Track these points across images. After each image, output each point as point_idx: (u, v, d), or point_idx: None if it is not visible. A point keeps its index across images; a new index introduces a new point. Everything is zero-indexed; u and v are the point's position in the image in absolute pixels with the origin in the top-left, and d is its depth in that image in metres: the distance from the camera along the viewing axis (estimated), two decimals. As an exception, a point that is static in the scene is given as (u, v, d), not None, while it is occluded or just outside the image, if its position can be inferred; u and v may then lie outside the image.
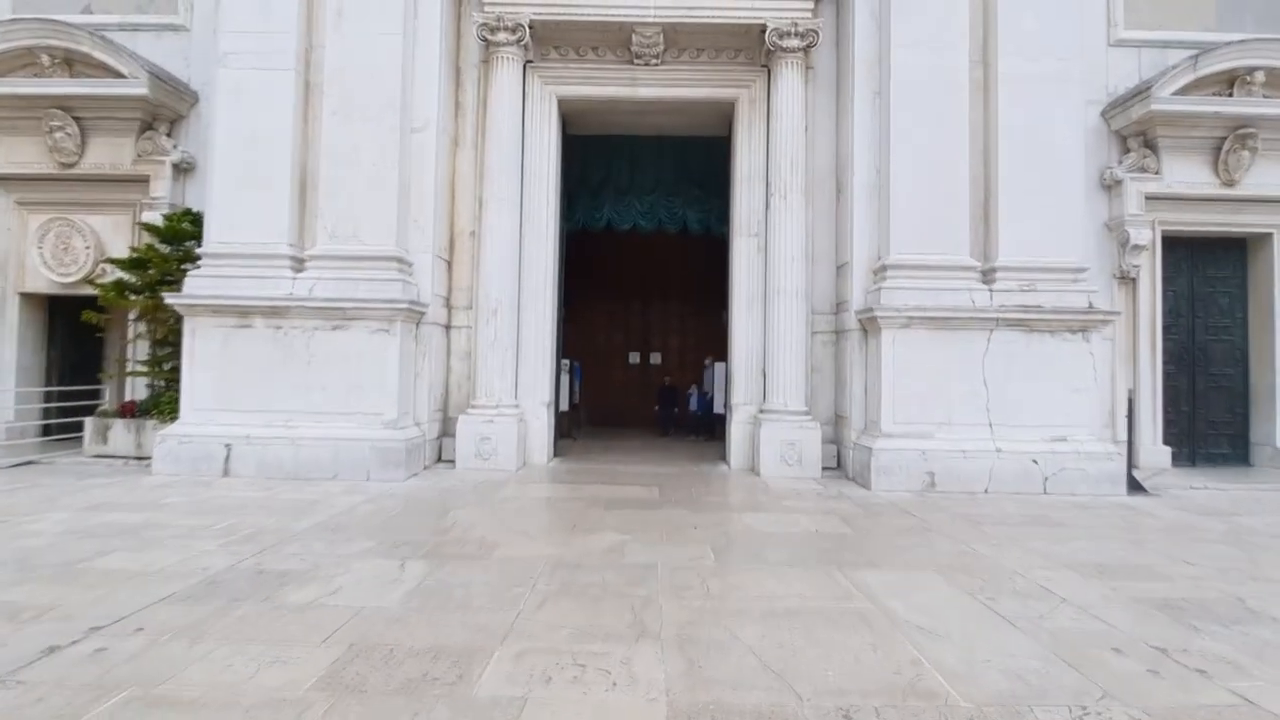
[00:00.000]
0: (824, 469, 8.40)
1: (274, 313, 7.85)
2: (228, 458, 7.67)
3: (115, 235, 9.67)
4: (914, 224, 8.04)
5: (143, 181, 9.56)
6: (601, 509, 6.36)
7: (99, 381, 9.60)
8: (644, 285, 14.42)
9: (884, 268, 8.04)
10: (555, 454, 9.71)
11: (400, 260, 8.09)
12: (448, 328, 9.15)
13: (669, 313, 14.73)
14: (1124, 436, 8.83)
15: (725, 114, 9.67)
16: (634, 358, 14.84)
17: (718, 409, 11.99)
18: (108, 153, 9.53)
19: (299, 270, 8.07)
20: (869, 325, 8.15)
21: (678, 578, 4.30)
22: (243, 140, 8.16)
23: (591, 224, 11.58)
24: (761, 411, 8.70)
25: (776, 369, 8.54)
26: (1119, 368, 9.48)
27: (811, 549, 5.11)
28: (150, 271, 8.62)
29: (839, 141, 9.12)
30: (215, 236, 8.15)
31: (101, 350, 10.07)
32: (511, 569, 4.43)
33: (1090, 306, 7.88)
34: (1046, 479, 7.54)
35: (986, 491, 7.48)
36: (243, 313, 7.87)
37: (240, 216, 8.12)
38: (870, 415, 8.13)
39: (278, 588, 3.99)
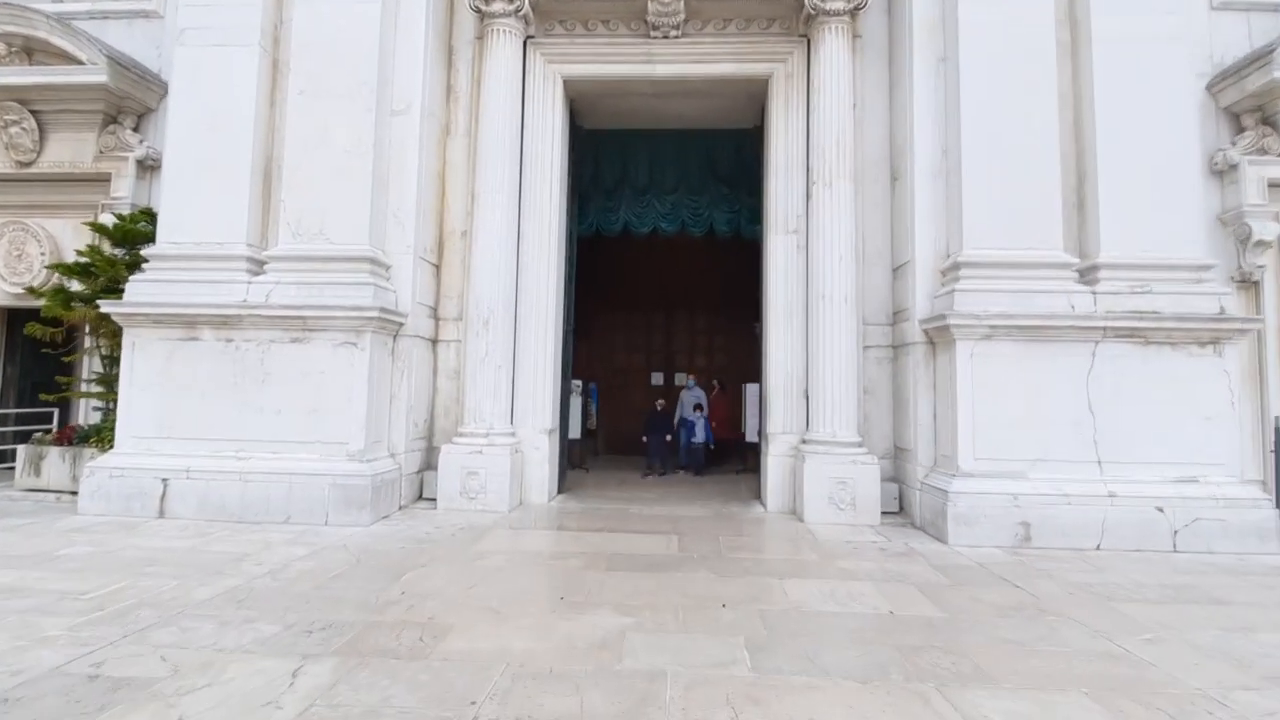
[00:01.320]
0: (883, 513, 6.83)
1: (225, 323, 6.67)
2: (164, 495, 6.45)
3: (77, 240, 8.67)
4: (992, 213, 6.54)
5: (105, 181, 8.57)
6: (602, 570, 4.93)
7: (48, 404, 8.54)
8: (667, 297, 13.05)
9: (956, 266, 6.54)
10: (560, 489, 8.31)
11: (373, 262, 6.87)
12: (434, 342, 7.89)
13: (695, 328, 13.32)
14: (1260, 476, 7.09)
15: (756, 96, 8.34)
16: (657, 379, 13.44)
17: (696, 438, 10.71)
18: (68, 150, 8.59)
19: (257, 274, 6.90)
20: (938, 337, 6.63)
21: (696, 702, 2.84)
22: (200, 127, 7.09)
23: (606, 228, 10.31)
24: (804, 442, 7.20)
25: (822, 391, 7.05)
26: (1243, 389, 7.74)
27: (887, 645, 3.59)
28: (99, 279, 7.55)
29: (894, 120, 7.70)
30: (165, 236, 7.05)
31: (71, 369, 9.04)
32: (454, 679, 3.02)
33: (1222, 312, 6.25)
34: (1176, 532, 5.87)
35: (1098, 548, 5.84)
36: (189, 323, 6.70)
37: (194, 213, 7.01)
38: (942, 448, 6.57)
39: (94, 714, 2.65)
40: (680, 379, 13.36)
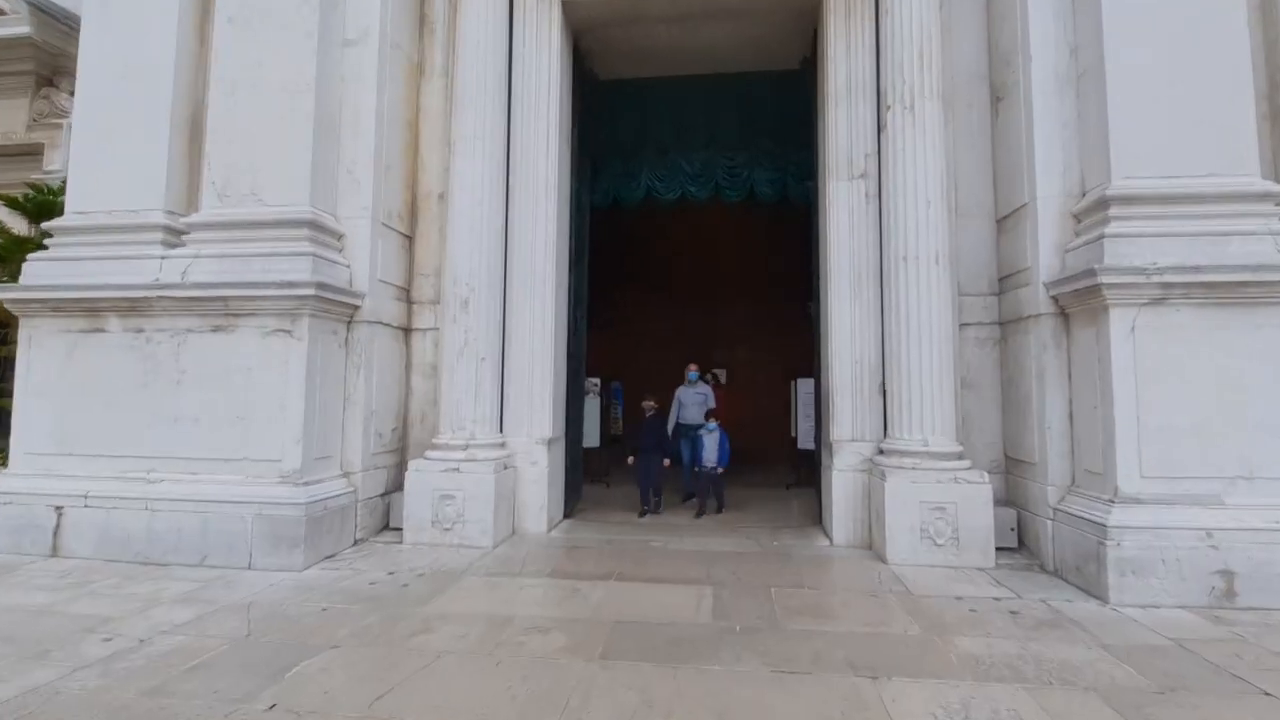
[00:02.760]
0: (996, 548, 4.96)
1: (133, 308, 5.26)
2: (58, 528, 5.07)
3: (11, 222, 7.50)
4: (1152, 127, 4.62)
5: (39, 153, 7.36)
6: (597, 656, 3.26)
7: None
8: (702, 281, 11.32)
9: (1101, 204, 4.65)
10: (568, 512, 6.68)
11: (315, 226, 5.36)
12: (407, 331, 6.36)
13: (735, 315, 11.53)
14: None
15: (806, 13, 6.56)
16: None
17: (707, 460, 7.12)
18: (-2, 119, 7.41)
19: (175, 246, 5.48)
20: (1076, 304, 4.74)
21: None
22: (112, 72, 5.73)
23: (626, 196, 8.67)
24: (882, 453, 5.38)
25: (906, 384, 5.22)
26: None
27: None
28: (9, 263, 6.29)
29: (993, 20, 5.81)
30: (73, 205, 5.70)
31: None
32: None
33: None
34: None
35: (1351, 612, 3.87)
36: (92, 310, 5.33)
37: (106, 177, 5.65)
38: (1086, 461, 4.67)
39: None
40: (719, 375, 11.62)
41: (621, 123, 8.37)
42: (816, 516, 6.49)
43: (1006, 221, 5.61)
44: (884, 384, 5.58)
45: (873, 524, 5.37)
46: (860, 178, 5.88)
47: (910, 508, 4.95)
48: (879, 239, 5.72)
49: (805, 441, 8.60)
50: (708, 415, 7.39)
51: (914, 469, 5.05)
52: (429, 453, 5.66)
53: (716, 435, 7.16)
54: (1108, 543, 4.14)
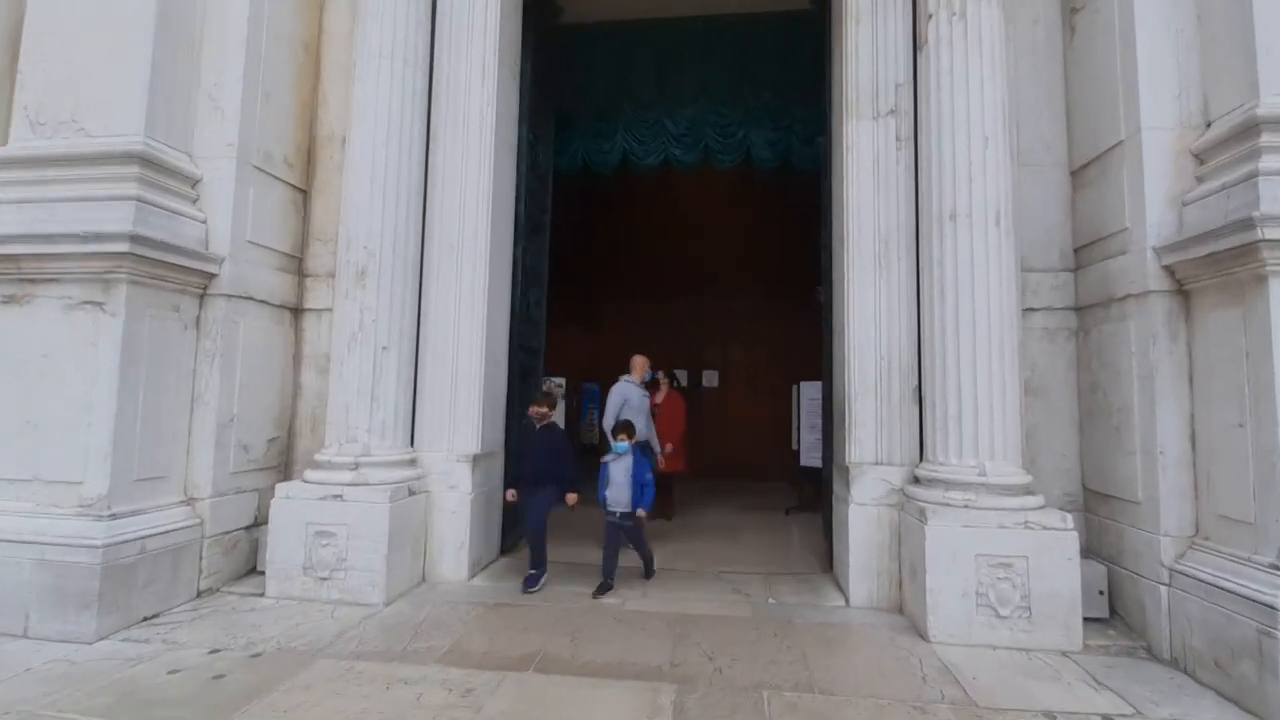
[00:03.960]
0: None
1: (-107, 273, 3.84)
2: None
3: None
4: (1322, 22, 3.20)
5: None
6: None
7: None
8: (688, 263, 9.87)
9: (1249, 129, 3.21)
10: (506, 548, 5.23)
11: (150, 163, 3.94)
12: (297, 311, 4.93)
13: (730, 308, 10.07)
14: None
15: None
16: (680, 378, 10.28)
17: (613, 503, 4.52)
18: None
19: (-34, 190, 4.06)
20: (1208, 275, 3.30)
21: None
22: (-94, -39, 4.31)
23: (598, 161, 7.25)
24: (919, 482, 3.94)
25: (955, 388, 3.78)
26: None
27: None
28: None
29: (1071, -92, 4.40)
30: None
31: None
32: None
33: None
34: None
35: None
36: None
37: (-110, 100, 4.23)
38: (1224, 503, 3.21)
39: None
40: (709, 377, 10.18)
41: (594, 72, 6.95)
42: (825, 557, 5.04)
43: (1088, 171, 4.17)
44: (920, 388, 4.14)
45: (905, 580, 3.93)
46: (889, 115, 4.45)
47: (962, 563, 3.51)
48: (914, 194, 4.29)
49: (810, 458, 7.15)
50: (617, 432, 4.65)
51: (967, 507, 3.61)
52: (308, 473, 4.22)
53: (628, 462, 4.42)
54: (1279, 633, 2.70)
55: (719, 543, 5.77)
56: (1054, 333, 4.27)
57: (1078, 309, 4.24)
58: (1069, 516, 3.54)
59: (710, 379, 10.14)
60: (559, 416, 6.28)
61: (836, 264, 4.81)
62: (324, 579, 3.99)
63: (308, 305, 4.90)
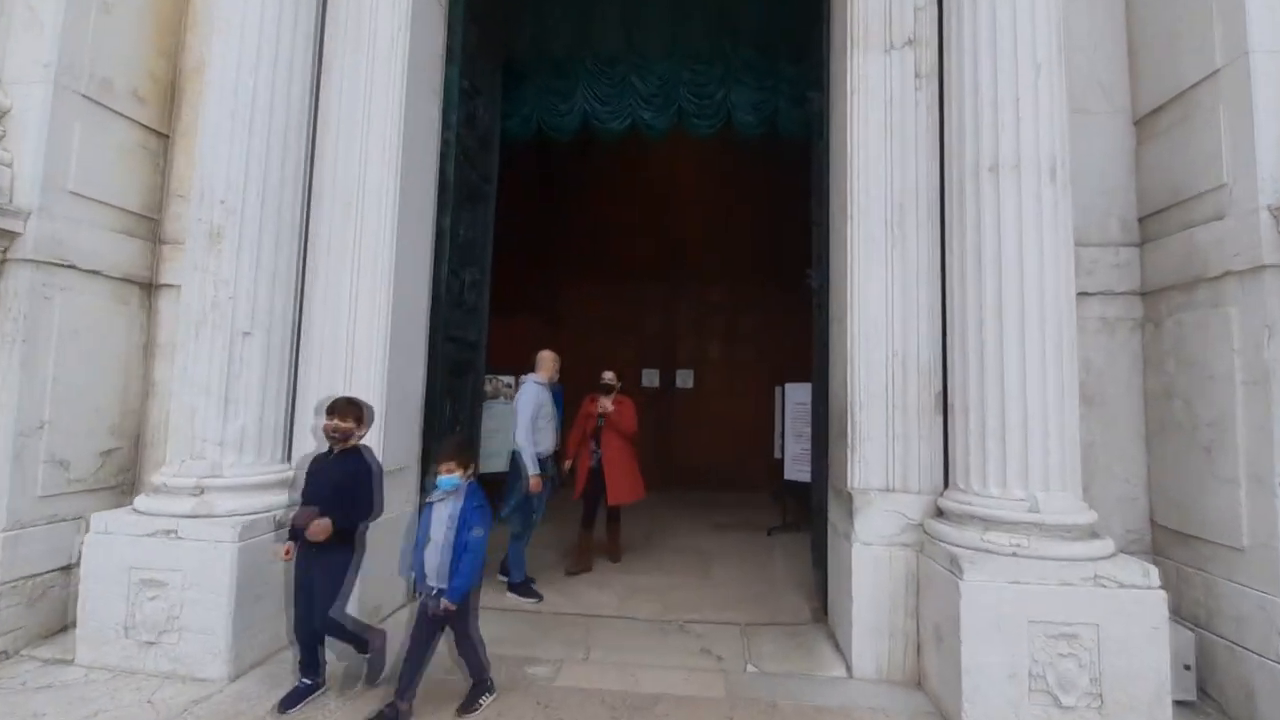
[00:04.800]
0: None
1: None
2: None
3: None
4: None
5: None
6: None
7: None
8: (661, 248, 8.88)
9: None
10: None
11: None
12: (148, 287, 3.87)
13: (708, 300, 9.08)
14: None
15: None
16: (650, 377, 9.31)
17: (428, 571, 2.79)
18: None
19: None
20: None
21: None
22: None
23: (555, 124, 6.23)
24: (945, 515, 3.00)
25: (995, 395, 2.84)
26: None
27: None
28: None
29: None
30: None
31: None
32: None
33: None
34: None
35: None
36: None
37: None
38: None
39: None
40: (683, 377, 9.21)
41: (550, 18, 5.93)
42: (816, 599, 4.09)
43: (1160, 117, 3.27)
44: (946, 394, 3.20)
45: (927, 645, 2.99)
46: (906, 46, 3.49)
47: (1010, 632, 2.57)
48: (938, 145, 3.35)
49: (795, 471, 6.23)
50: (442, 458, 2.81)
51: (1015, 556, 2.67)
52: (139, 500, 3.17)
53: (451, 508, 2.76)
54: None
55: (688, 575, 4.79)
56: (1113, 324, 3.36)
57: (1144, 294, 3.34)
58: (1153, 570, 2.62)
59: (684, 379, 9.17)
60: (500, 424, 5.27)
61: (837, 240, 3.86)
62: (150, 643, 2.95)
63: (165, 280, 3.84)
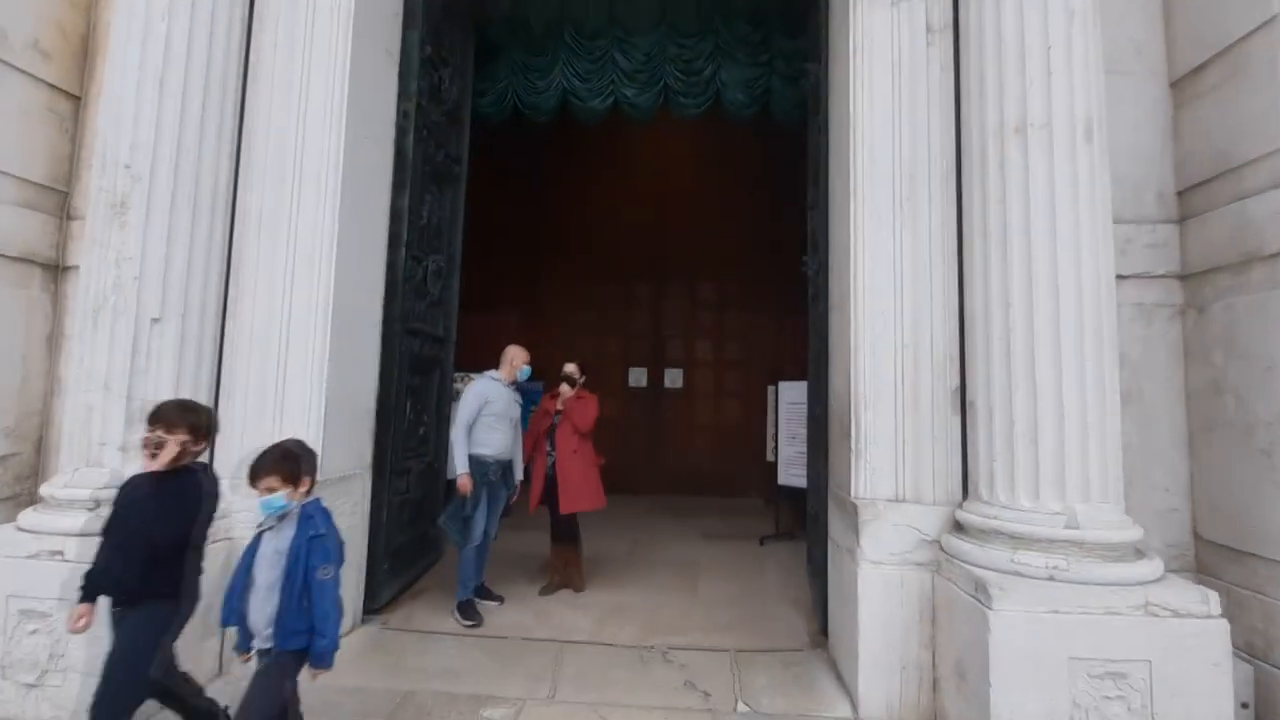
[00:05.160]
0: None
1: None
2: None
3: None
4: None
5: None
6: None
7: None
8: (647, 239, 8.47)
9: None
10: (383, 604, 3.76)
11: None
12: (55, 269, 3.40)
13: (697, 296, 8.66)
14: None
15: None
16: (637, 377, 8.89)
17: (254, 622, 2.15)
18: None
19: None
20: None
21: None
22: None
23: (532, 103, 5.82)
24: (967, 532, 2.59)
25: (1027, 388, 2.44)
26: None
27: None
28: None
29: None
30: None
31: None
32: None
33: None
34: None
35: None
36: None
37: None
38: None
39: None
40: (672, 377, 8.79)
41: (527, -7, 5.53)
42: (814, 618, 3.69)
43: (1203, 76, 2.89)
44: (964, 390, 2.79)
45: (946, 682, 2.58)
46: (915, -6, 3.10)
47: (1048, 671, 2.17)
48: (953, 108, 2.95)
49: (790, 476, 5.83)
50: (266, 474, 2.13)
51: (1052, 579, 2.27)
52: (23, 516, 2.70)
53: (279, 540, 2.14)
54: None
55: (672, 593, 4.36)
56: (1150, 311, 2.97)
57: (1185, 277, 2.96)
58: (1213, 596, 2.22)
59: (673, 378, 8.75)
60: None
61: (838, 220, 3.46)
62: (31, 686, 2.49)
63: (74, 262, 3.37)
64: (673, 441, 8.58)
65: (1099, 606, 2.20)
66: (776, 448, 6.18)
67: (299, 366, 3.15)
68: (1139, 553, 2.38)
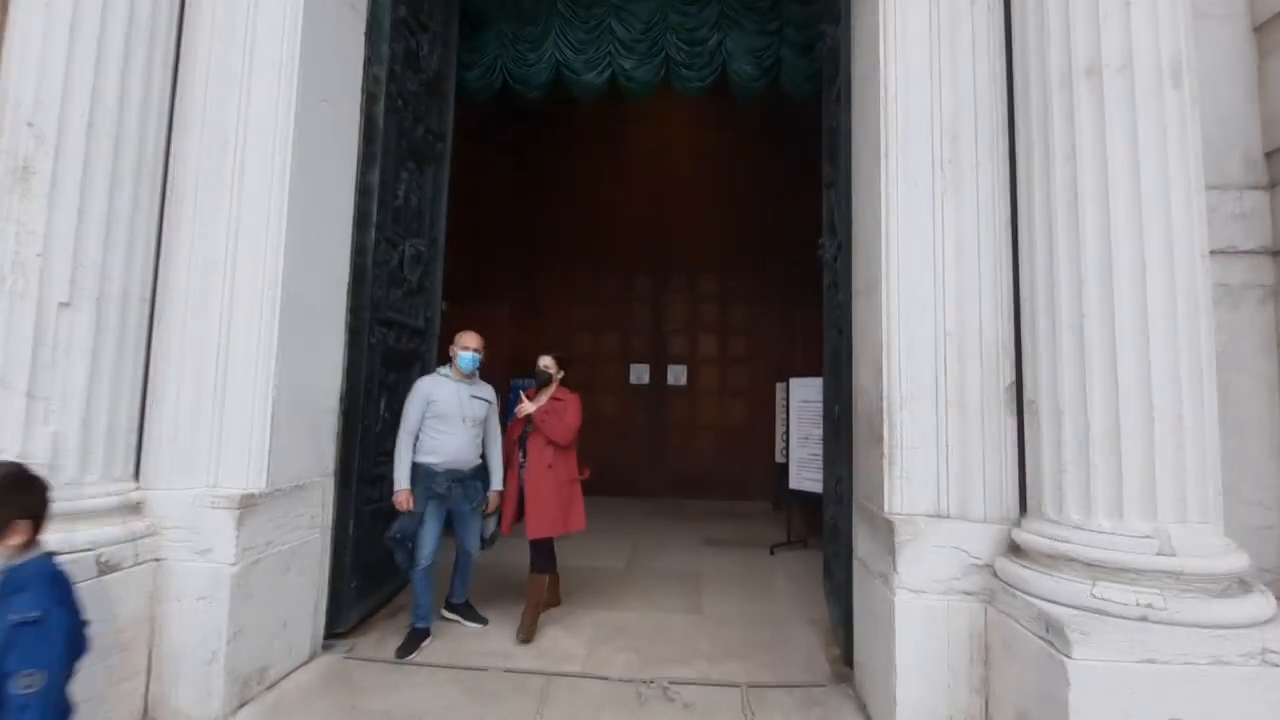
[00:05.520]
0: None
1: None
2: None
3: None
4: None
5: None
6: None
7: None
8: (648, 232, 8.04)
9: None
10: (346, 629, 3.35)
11: None
12: (-33, 252, 2.98)
13: (700, 289, 8.20)
14: None
15: None
16: (639, 374, 8.46)
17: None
18: None
19: None
20: None
21: None
22: None
23: (523, 78, 5.38)
24: (1029, 557, 2.15)
25: (1105, 385, 2.01)
26: None
27: None
28: None
29: None
30: None
31: None
32: None
33: None
34: None
35: None
36: None
37: None
38: None
39: None
40: (675, 373, 8.36)
41: (515, -48, 5.10)
42: (835, 642, 3.27)
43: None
44: (1020, 387, 2.36)
45: (1002, 738, 2.15)
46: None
47: (1142, 737, 1.74)
48: (1003, 54, 2.52)
49: (802, 480, 5.40)
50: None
51: (1145, 620, 1.84)
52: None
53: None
54: None
55: (675, 610, 3.94)
56: (1237, 293, 2.53)
57: (1277, 252, 2.51)
58: (1349, 642, 1.79)
59: (677, 375, 8.32)
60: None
61: (864, 194, 3.02)
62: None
63: None
64: (675, 441, 8.16)
65: (1204, 655, 1.77)
66: (787, 449, 5.75)
67: (243, 361, 2.73)
68: (1244, 584, 1.95)
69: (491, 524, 3.56)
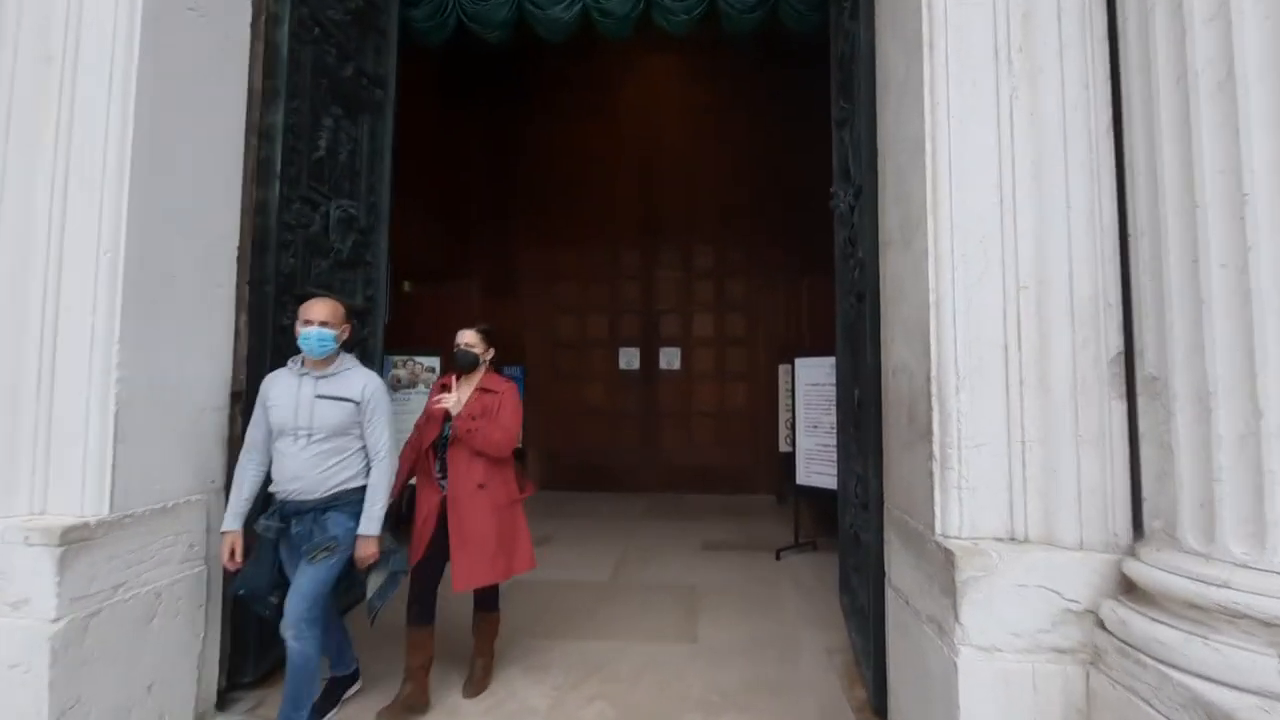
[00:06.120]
0: None
1: None
2: None
3: None
4: None
5: None
6: None
7: None
8: (635, 198, 7.30)
9: None
10: (246, 679, 2.69)
11: None
12: None
13: (693, 264, 7.47)
14: None
15: None
16: (628, 358, 7.78)
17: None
18: None
19: None
20: None
21: None
22: None
23: (482, 19, 4.63)
24: (1155, 604, 1.48)
25: (1271, 355, 1.32)
26: None
27: None
28: None
29: None
30: None
31: None
32: None
33: None
34: None
35: None
36: None
37: None
38: None
39: None
40: (668, 357, 7.67)
41: None
42: (858, 680, 2.62)
43: None
44: (1130, 359, 1.67)
45: None
46: None
47: None
48: (1097, -103, 1.80)
49: (811, 474, 4.74)
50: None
51: (1377, 721, 1.17)
52: None
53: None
54: None
55: (663, 640, 3.29)
56: None
57: None
58: None
59: (670, 358, 7.63)
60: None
61: (898, 114, 2.33)
62: None
63: None
64: (670, 431, 7.50)
65: None
66: (793, 437, 5.09)
67: (73, 347, 2.05)
68: None
69: (376, 582, 2.39)
